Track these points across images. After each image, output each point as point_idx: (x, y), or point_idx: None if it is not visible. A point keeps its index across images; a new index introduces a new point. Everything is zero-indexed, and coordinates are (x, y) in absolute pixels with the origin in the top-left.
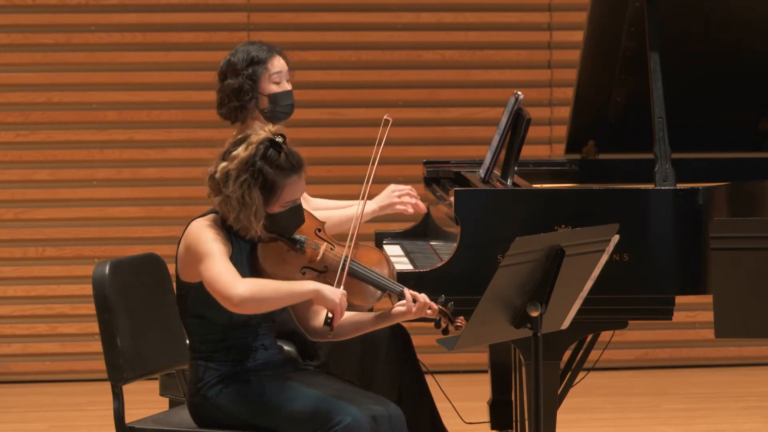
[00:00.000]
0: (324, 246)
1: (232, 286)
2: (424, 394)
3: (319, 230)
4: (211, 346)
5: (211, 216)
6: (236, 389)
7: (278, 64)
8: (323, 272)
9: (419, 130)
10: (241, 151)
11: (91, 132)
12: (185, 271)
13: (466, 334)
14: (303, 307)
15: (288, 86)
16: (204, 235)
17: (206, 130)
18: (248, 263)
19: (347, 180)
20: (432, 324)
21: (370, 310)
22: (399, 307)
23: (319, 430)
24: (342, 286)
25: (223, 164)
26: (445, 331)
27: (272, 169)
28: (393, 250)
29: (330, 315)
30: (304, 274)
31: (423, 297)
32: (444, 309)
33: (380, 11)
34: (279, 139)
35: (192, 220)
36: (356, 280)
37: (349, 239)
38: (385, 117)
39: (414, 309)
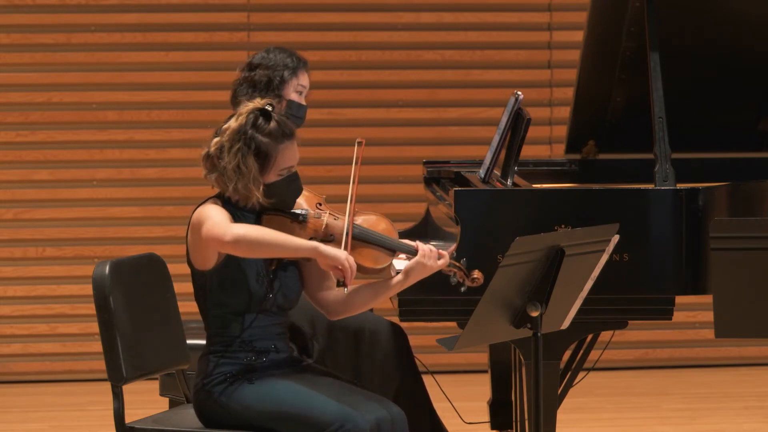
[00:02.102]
0: (326, 215)
1: (228, 227)
2: (422, 394)
3: (320, 204)
4: (227, 339)
5: (212, 199)
6: (240, 389)
7: (305, 79)
8: (330, 241)
9: (419, 130)
10: (232, 123)
11: (91, 132)
12: (197, 256)
13: (466, 334)
14: (315, 284)
15: (304, 102)
16: (206, 210)
17: (206, 130)
18: None
19: (346, 180)
20: (431, 323)
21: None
22: (411, 262)
23: None
24: (349, 249)
25: (216, 139)
26: (462, 287)
27: (264, 136)
28: None
29: (342, 277)
30: None
31: (431, 248)
32: (456, 263)
33: (380, 11)
34: (269, 108)
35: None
36: (364, 243)
37: (348, 204)
38: (358, 140)
39: (427, 261)
